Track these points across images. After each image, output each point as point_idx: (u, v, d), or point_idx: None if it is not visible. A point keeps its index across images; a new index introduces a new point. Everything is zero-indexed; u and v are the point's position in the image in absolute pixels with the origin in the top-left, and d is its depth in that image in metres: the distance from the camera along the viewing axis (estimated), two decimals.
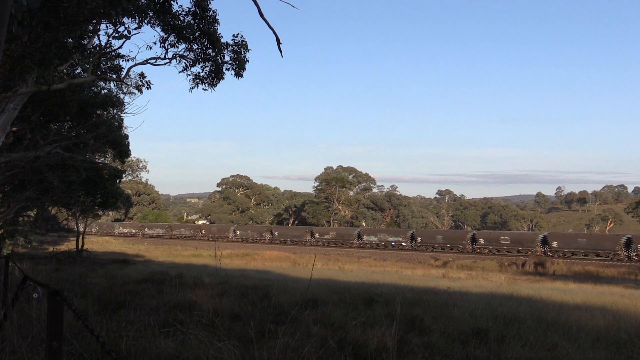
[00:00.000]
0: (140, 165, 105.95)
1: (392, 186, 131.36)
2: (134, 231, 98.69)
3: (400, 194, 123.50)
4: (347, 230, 79.63)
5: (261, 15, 6.05)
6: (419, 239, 67.08)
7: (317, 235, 77.02)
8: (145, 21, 12.37)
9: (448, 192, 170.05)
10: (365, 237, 71.38)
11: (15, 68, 8.20)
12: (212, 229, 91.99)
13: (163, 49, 13.32)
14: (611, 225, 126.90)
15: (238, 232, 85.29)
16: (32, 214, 38.11)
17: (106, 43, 12.47)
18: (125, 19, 11.20)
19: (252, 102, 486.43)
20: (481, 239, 62.09)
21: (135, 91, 16.17)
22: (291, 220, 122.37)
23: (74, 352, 5.80)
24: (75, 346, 5.83)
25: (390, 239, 69.55)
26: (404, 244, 67.70)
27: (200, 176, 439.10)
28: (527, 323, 9.74)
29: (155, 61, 13.30)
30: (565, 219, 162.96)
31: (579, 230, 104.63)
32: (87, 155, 21.21)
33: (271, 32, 6.42)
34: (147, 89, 13.71)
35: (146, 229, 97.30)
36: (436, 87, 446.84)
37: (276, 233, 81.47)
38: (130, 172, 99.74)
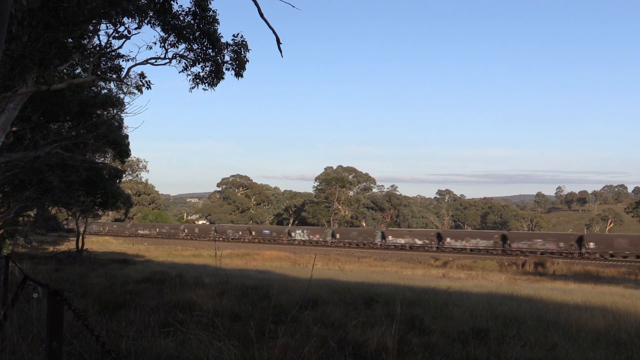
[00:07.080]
0: (140, 165, 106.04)
1: (392, 186, 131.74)
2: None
3: (400, 194, 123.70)
4: None
5: (261, 15, 6.05)
6: None
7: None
8: (145, 21, 12.37)
9: (448, 192, 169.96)
10: None
11: (15, 68, 8.19)
12: None
13: (163, 49, 13.33)
14: (611, 225, 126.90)
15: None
16: (32, 214, 38.07)
17: (106, 43, 12.47)
18: (125, 19, 11.20)
19: (252, 101, 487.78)
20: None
21: (135, 91, 16.19)
22: (291, 220, 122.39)
23: (74, 352, 5.80)
24: (75, 346, 5.83)
25: None
26: None
27: (200, 176, 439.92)
28: (527, 323, 9.74)
29: (155, 61, 13.30)
30: (565, 218, 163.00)
31: (578, 230, 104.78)
32: (87, 155, 21.20)
33: (271, 32, 6.42)
34: (147, 88, 13.68)
35: (390, 236, 66.83)
36: (436, 87, 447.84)
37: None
38: (130, 172, 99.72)
